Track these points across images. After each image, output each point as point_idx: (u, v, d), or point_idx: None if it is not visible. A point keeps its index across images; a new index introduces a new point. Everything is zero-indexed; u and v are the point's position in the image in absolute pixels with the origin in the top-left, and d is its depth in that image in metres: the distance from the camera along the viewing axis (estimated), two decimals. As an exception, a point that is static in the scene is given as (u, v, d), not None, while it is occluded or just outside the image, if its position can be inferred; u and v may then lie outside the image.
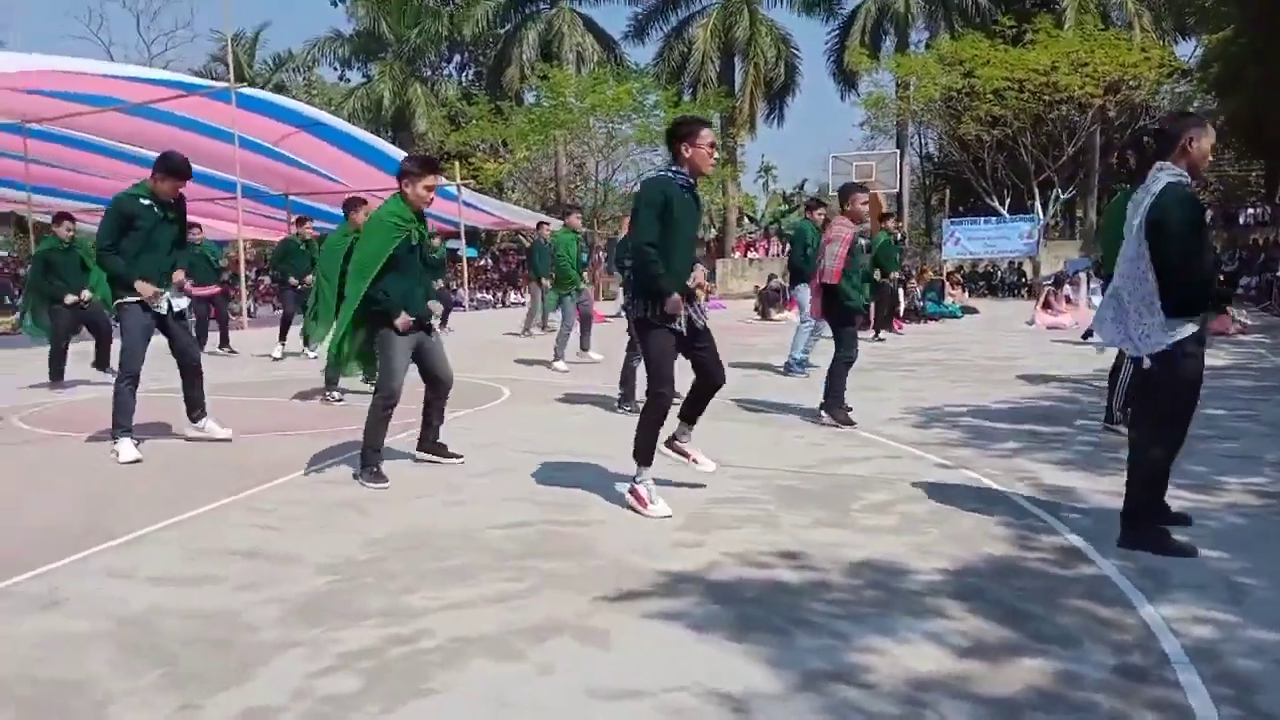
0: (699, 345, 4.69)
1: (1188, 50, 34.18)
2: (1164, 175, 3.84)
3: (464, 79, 40.49)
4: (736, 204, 37.57)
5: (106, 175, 21.78)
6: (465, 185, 25.96)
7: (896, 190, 29.23)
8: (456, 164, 26.11)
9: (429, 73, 39.22)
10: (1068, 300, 16.67)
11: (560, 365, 10.67)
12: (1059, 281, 17.76)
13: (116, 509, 4.84)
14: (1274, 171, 32.48)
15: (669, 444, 4.89)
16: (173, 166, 6.05)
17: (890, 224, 14.68)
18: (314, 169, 23.67)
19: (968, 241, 29.17)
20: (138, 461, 5.91)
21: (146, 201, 6.05)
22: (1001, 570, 3.71)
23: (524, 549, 4.06)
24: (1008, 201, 31.00)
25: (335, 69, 39.53)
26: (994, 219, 29.90)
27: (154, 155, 19.95)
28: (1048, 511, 4.53)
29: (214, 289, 12.85)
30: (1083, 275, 18.33)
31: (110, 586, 3.68)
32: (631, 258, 4.60)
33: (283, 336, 12.39)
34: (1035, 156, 29.96)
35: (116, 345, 6.95)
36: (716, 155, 4.69)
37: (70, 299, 9.19)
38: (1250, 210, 32.74)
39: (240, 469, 5.71)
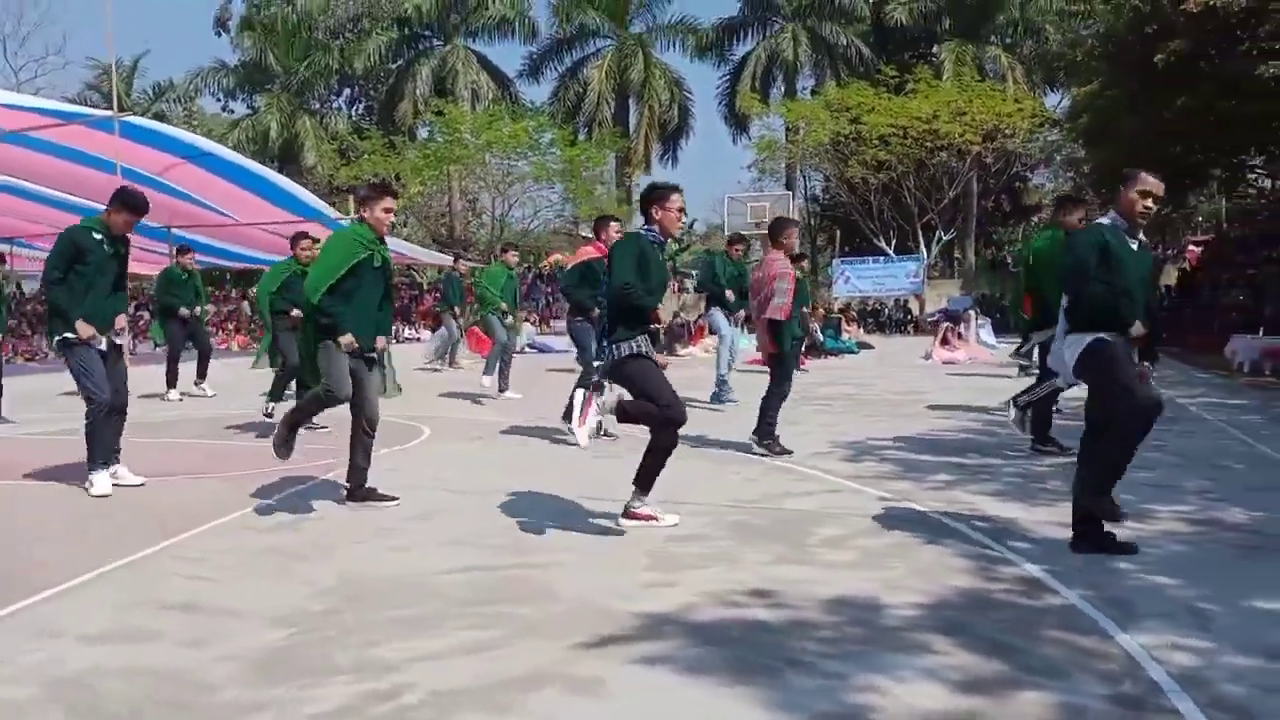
0: None
1: (1054, 101, 36.15)
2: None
3: (354, 113, 39.81)
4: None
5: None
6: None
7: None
8: (350, 199, 25.51)
9: (317, 105, 38.44)
10: (959, 336, 17.26)
11: (487, 380, 10.97)
12: (954, 319, 18.40)
13: (31, 561, 4.46)
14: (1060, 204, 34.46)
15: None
16: (130, 201, 5.87)
17: (803, 264, 14.99)
18: (201, 201, 22.79)
19: (857, 280, 30.03)
20: (107, 496, 5.70)
21: (98, 236, 5.83)
22: (974, 603, 3.73)
23: (483, 595, 3.89)
24: (893, 242, 32.07)
25: (218, 99, 38.40)
26: (881, 259, 30.88)
27: (31, 186, 18.74)
28: (996, 542, 4.60)
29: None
30: (971, 313, 19.03)
31: (41, 645, 3.36)
32: (609, 301, 4.79)
33: (171, 377, 11.71)
34: (919, 199, 31.13)
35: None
36: (684, 218, 4.97)
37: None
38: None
39: (157, 515, 5.34)
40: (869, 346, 20.57)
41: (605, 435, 7.90)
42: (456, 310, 16.13)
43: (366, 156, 31.11)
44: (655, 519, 4.85)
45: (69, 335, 5.72)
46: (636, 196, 34.71)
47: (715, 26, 36.01)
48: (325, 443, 7.87)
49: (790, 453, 7.01)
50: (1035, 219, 42.52)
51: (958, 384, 12.66)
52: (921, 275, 30.24)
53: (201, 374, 12.11)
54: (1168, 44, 21.11)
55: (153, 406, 11.06)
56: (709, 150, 66.20)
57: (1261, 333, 15.36)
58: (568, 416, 7.87)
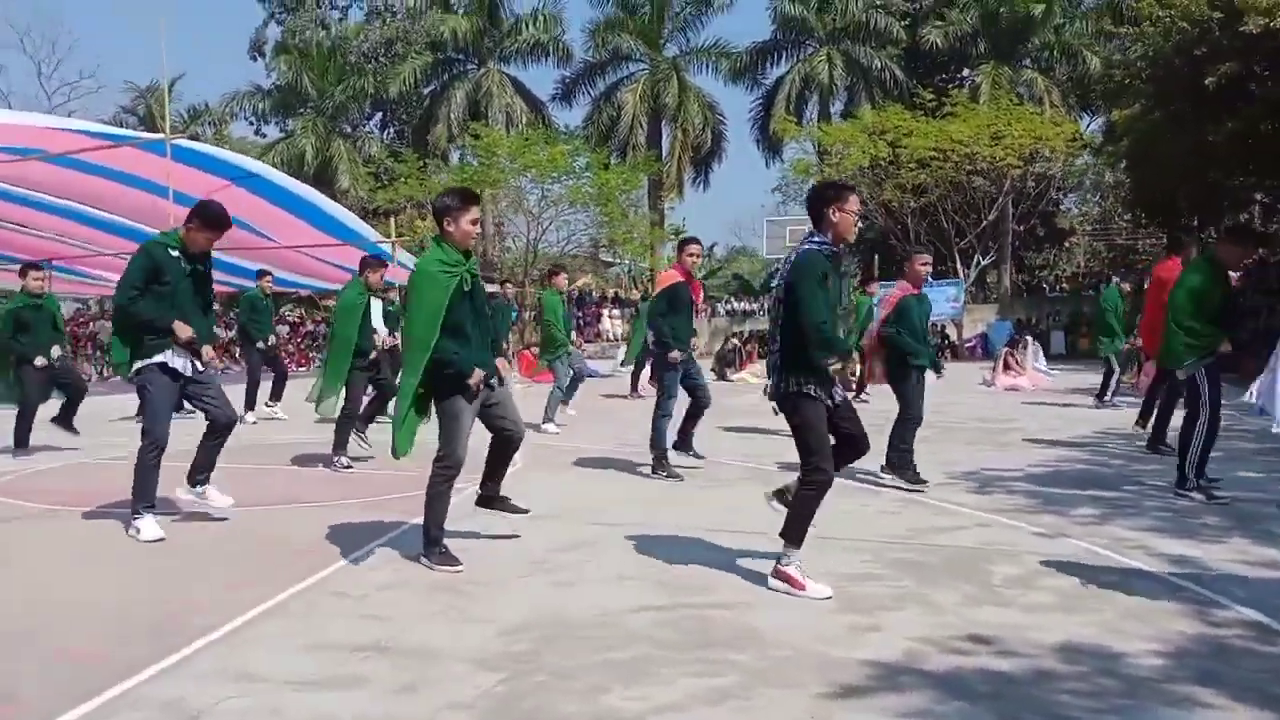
0: (843, 418, 4.45)
1: (1087, 125, 35.95)
2: None
3: (385, 137, 39.92)
4: (664, 266, 37.75)
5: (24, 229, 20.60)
6: (398, 244, 25.28)
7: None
8: (392, 222, 25.52)
9: (349, 129, 38.54)
10: (1018, 363, 16.99)
11: (550, 427, 10.33)
12: (1014, 343, 18.16)
13: (179, 596, 4.28)
14: (1175, 240, 34.14)
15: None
16: (210, 216, 5.54)
17: (871, 288, 14.77)
18: (245, 224, 22.82)
19: (897, 305, 29.76)
20: (161, 540, 5.33)
21: (175, 253, 5.52)
22: (1212, 651, 3.51)
23: (687, 638, 3.69)
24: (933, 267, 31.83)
25: (251, 123, 38.55)
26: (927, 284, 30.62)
27: (77, 207, 18.67)
28: (1194, 583, 4.37)
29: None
30: (1029, 339, 18.79)
31: (242, 691, 3.18)
32: (785, 337, 4.37)
33: (250, 401, 11.65)
34: (956, 223, 30.90)
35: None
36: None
37: (40, 361, 8.40)
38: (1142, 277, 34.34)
39: (283, 547, 5.18)
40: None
41: (694, 455, 7.73)
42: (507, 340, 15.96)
43: (403, 180, 31.06)
44: (804, 588, 4.23)
45: (150, 361, 5.42)
46: (670, 220, 34.56)
47: (749, 50, 35.95)
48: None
49: (926, 483, 6.79)
50: (1067, 243, 42.33)
51: (1039, 412, 12.40)
52: (961, 300, 29.98)
53: (276, 395, 12.01)
54: (1218, 66, 20.93)
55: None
56: (732, 173, 66.17)
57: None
58: (680, 446, 7.70)
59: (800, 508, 4.32)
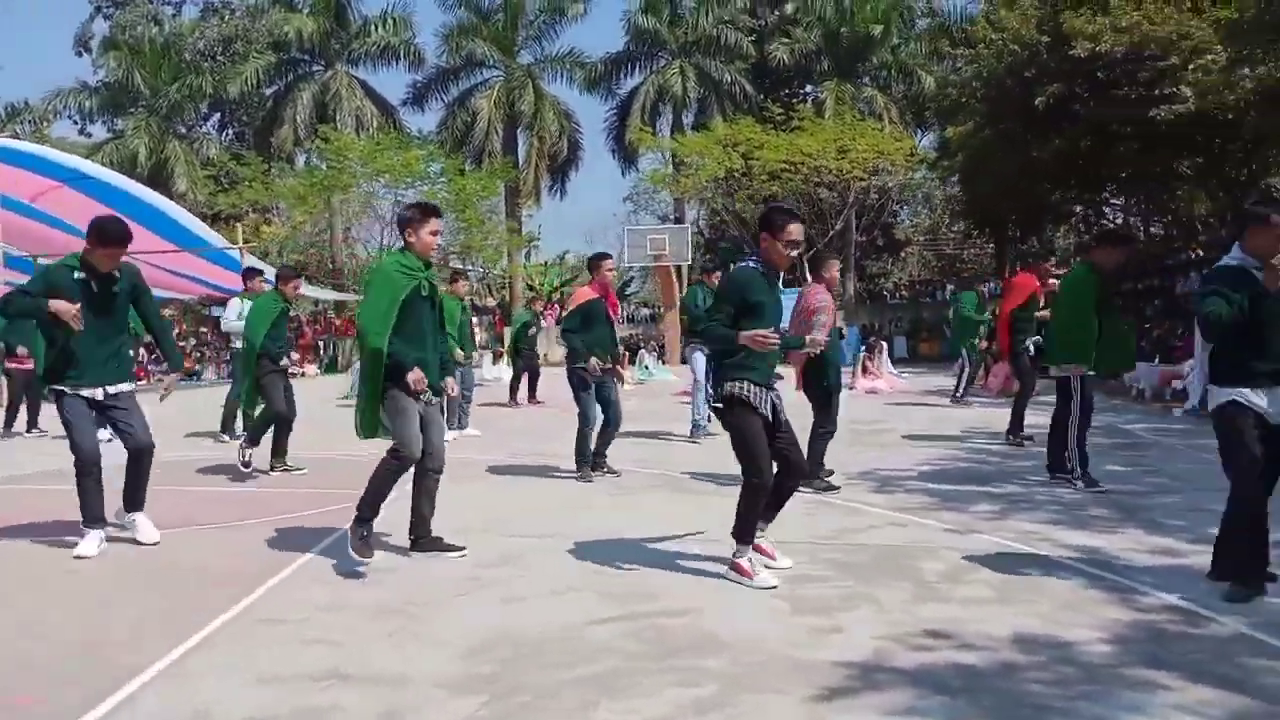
0: (781, 434, 4.58)
1: (924, 140, 37.89)
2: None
3: (224, 138, 38.10)
4: (522, 273, 37.42)
5: None
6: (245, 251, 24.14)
7: (689, 262, 30.22)
8: (239, 228, 24.40)
9: (185, 130, 36.59)
10: (875, 367, 17.72)
11: (450, 435, 10.09)
12: (870, 348, 18.90)
13: (113, 627, 3.95)
14: (1002, 252, 36.34)
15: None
16: (104, 233, 5.19)
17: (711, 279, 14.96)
18: (76, 229, 21.33)
19: (751, 312, 30.50)
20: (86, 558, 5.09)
21: (81, 275, 5.19)
22: (1151, 636, 3.74)
23: (652, 648, 3.67)
24: (781, 276, 32.78)
25: (76, 122, 35.99)
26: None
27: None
28: (1108, 571, 4.66)
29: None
30: (884, 344, 19.61)
31: (211, 734, 2.96)
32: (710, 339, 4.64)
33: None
34: (805, 234, 31.96)
35: None
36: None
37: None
38: (988, 285, 36.47)
39: (201, 573, 4.86)
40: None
41: (609, 473, 7.69)
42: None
43: (246, 184, 29.71)
44: (752, 576, 4.47)
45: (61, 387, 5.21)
46: (527, 228, 34.26)
47: (603, 60, 36.21)
48: (304, 485, 7.43)
49: (838, 489, 6.95)
50: (903, 253, 44.43)
51: (908, 413, 12.92)
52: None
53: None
54: (1046, 87, 22.42)
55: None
56: (586, 181, 66.36)
57: (1158, 360, 16.33)
58: (595, 465, 7.64)
59: (747, 512, 4.50)
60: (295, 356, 8.35)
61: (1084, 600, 4.20)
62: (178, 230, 22.48)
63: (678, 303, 31.85)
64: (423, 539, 5.19)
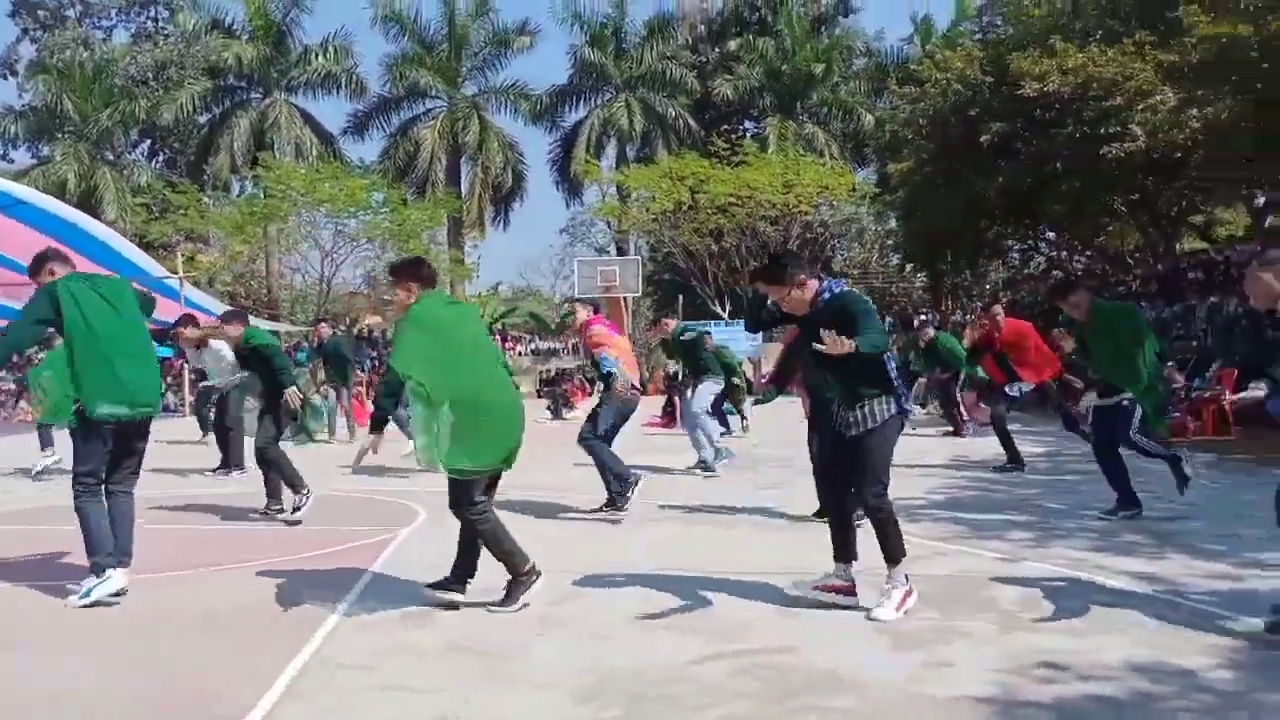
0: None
1: (861, 176, 38.64)
2: None
3: (153, 166, 37.08)
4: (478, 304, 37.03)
5: None
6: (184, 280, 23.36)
7: (639, 294, 30.23)
8: (179, 256, 23.64)
9: (113, 157, 35.51)
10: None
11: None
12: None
13: (182, 677, 3.65)
14: (937, 285, 37.13)
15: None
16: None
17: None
18: (10, 259, 20.43)
19: (700, 343, 30.59)
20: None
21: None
22: (1267, 662, 3.71)
23: (773, 688, 3.52)
24: (728, 307, 33.01)
25: (-1, 148, 34.73)
26: (719, 322, 31.62)
27: None
28: (1180, 597, 4.65)
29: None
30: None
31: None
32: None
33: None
34: (750, 266, 32.25)
35: None
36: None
37: None
38: (923, 317, 37.14)
39: (248, 616, 4.56)
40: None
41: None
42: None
43: (181, 212, 28.86)
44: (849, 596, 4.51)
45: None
46: (472, 259, 33.97)
47: (548, 92, 36.28)
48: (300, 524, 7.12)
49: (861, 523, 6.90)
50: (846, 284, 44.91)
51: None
52: (759, 338, 31.21)
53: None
54: (990, 125, 23.05)
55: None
56: (522, 213, 66.16)
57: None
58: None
59: (892, 530, 4.48)
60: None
61: (1176, 628, 4.16)
62: (116, 258, 21.64)
63: (628, 333, 31.94)
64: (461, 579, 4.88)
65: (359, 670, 3.78)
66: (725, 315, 32.78)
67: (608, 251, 40.16)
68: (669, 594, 4.80)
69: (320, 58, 34.31)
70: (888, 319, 38.94)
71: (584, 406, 19.21)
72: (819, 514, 6.87)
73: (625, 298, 28.59)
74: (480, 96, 35.63)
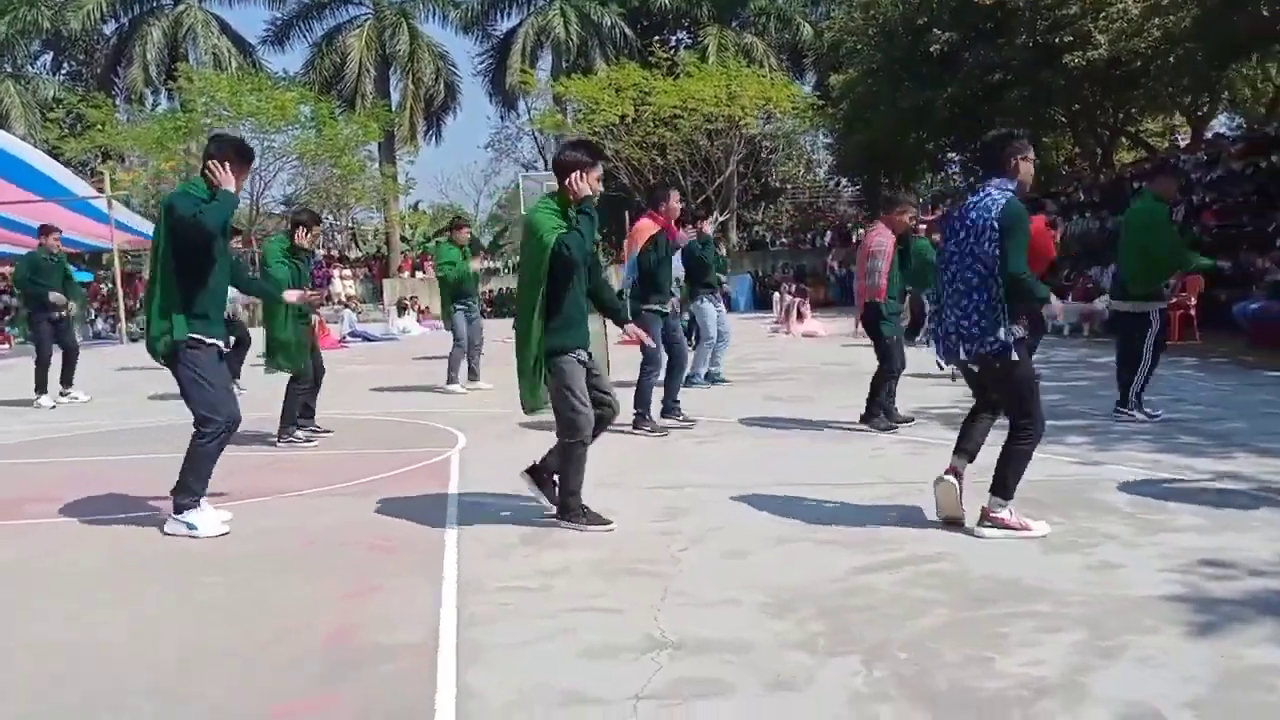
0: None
1: (803, 88, 38.34)
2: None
3: (58, 79, 34.77)
4: (399, 222, 36.00)
5: None
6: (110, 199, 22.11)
7: (586, 210, 29.67)
8: (106, 174, 22.35)
9: (11, 70, 33.15)
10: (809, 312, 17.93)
11: (456, 387, 9.60)
12: (802, 293, 19.09)
13: (325, 610, 3.44)
14: (873, 198, 37.34)
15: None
16: (246, 151, 4.75)
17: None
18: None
19: (646, 260, 30.28)
20: (227, 533, 4.50)
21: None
22: None
23: (959, 595, 3.48)
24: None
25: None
26: (665, 238, 31.41)
27: None
28: (1273, 492, 4.75)
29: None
30: (806, 289, 19.84)
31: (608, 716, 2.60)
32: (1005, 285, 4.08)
33: (42, 383, 9.74)
34: (696, 180, 31.92)
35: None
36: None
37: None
38: (862, 230, 37.44)
39: (343, 547, 4.35)
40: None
41: (684, 422, 7.35)
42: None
43: (98, 127, 27.23)
44: (1029, 528, 4.18)
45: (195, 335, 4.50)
46: (406, 175, 32.85)
47: (479, 0, 34.89)
48: (342, 446, 6.87)
49: (911, 420, 6.94)
50: (777, 201, 45.00)
51: (855, 355, 13.05)
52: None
53: (67, 380, 10.12)
54: (940, 34, 22.99)
55: (36, 419, 9.08)
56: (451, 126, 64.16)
57: (1071, 299, 17.11)
58: (666, 412, 7.28)
59: (1018, 463, 4.23)
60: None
61: (1296, 526, 4.25)
62: (39, 179, 20.40)
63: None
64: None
65: (530, 593, 3.63)
66: (669, 230, 32.47)
67: (535, 167, 39.30)
68: (780, 508, 4.74)
69: (236, -39, 32.31)
70: (828, 233, 39.34)
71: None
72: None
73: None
74: (408, 4, 34.11)
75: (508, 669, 2.95)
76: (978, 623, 3.21)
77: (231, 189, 4.50)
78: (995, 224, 4.03)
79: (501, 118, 38.01)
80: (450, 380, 9.74)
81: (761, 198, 42.46)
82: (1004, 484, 4.21)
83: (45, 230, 10.08)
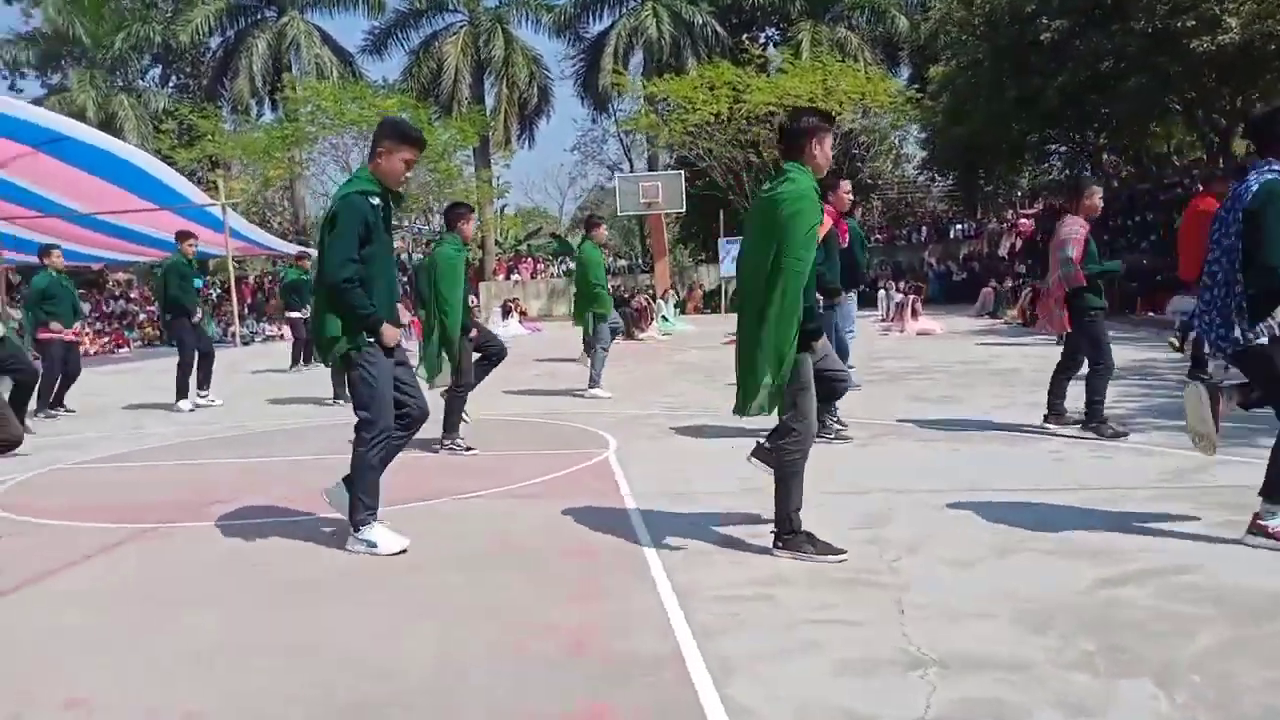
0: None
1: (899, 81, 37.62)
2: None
3: (166, 91, 35.99)
4: (497, 225, 36.42)
5: None
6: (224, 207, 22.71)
7: (683, 210, 29.58)
8: (220, 183, 22.98)
9: (122, 83, 34.41)
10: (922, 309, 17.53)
11: (600, 391, 9.54)
12: (917, 291, 18.70)
13: (553, 620, 3.36)
14: (971, 194, 36.47)
15: None
16: (411, 133, 4.46)
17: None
18: (50, 200, 19.87)
19: (743, 258, 29.98)
20: (405, 550, 4.32)
21: (376, 201, 4.32)
22: None
23: (1232, 611, 3.24)
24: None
25: (5, 76, 33.57)
26: (758, 237, 31.07)
27: None
28: None
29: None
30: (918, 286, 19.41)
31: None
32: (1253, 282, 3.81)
33: (184, 387, 10.03)
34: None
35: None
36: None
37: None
38: (959, 226, 36.67)
39: (535, 550, 4.28)
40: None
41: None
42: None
43: (209, 138, 28.08)
44: None
45: (358, 344, 4.29)
46: (502, 180, 33.05)
47: (572, 3, 35.02)
48: (499, 449, 6.83)
49: (1126, 434, 6.43)
50: (869, 197, 44.24)
51: (1002, 353, 12.72)
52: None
53: (204, 383, 10.35)
54: (1050, 22, 22.28)
55: (187, 421, 9.31)
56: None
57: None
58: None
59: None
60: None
61: None
62: (159, 188, 21.08)
63: (668, 250, 31.41)
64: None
65: (753, 603, 3.50)
66: (763, 229, 32.18)
67: (620, 168, 39.32)
68: (987, 515, 4.54)
69: (335, -28, 33.05)
70: (923, 229, 38.57)
71: (652, 328, 18.95)
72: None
73: (664, 214, 27.99)
74: (502, 9, 34.43)
75: (769, 684, 2.82)
76: (1264, 641, 2.98)
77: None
78: (1244, 209, 3.77)
79: (593, 120, 38.14)
80: (593, 383, 9.66)
81: (859, 193, 41.82)
82: (1275, 486, 3.90)
83: (182, 236, 10.34)
